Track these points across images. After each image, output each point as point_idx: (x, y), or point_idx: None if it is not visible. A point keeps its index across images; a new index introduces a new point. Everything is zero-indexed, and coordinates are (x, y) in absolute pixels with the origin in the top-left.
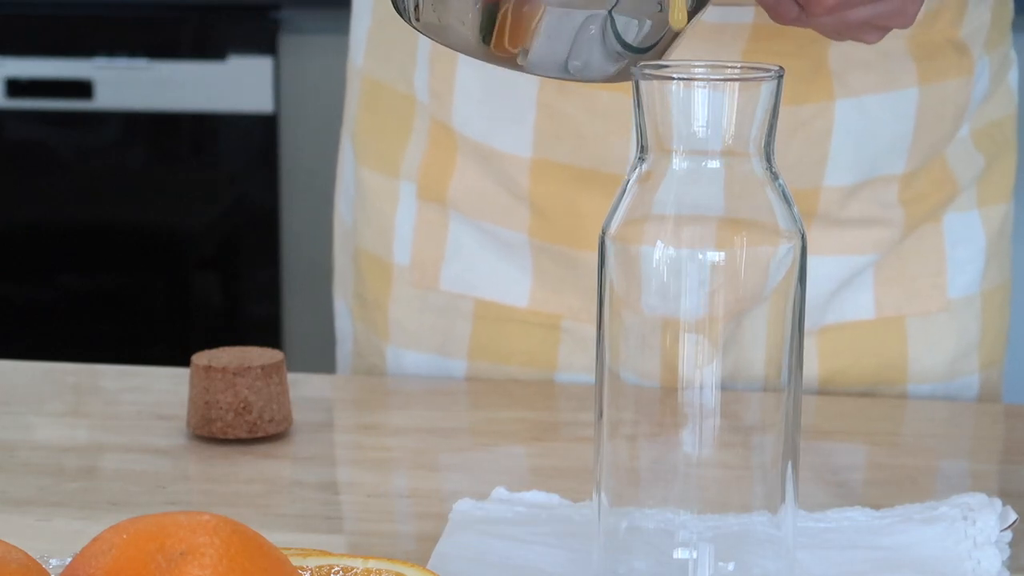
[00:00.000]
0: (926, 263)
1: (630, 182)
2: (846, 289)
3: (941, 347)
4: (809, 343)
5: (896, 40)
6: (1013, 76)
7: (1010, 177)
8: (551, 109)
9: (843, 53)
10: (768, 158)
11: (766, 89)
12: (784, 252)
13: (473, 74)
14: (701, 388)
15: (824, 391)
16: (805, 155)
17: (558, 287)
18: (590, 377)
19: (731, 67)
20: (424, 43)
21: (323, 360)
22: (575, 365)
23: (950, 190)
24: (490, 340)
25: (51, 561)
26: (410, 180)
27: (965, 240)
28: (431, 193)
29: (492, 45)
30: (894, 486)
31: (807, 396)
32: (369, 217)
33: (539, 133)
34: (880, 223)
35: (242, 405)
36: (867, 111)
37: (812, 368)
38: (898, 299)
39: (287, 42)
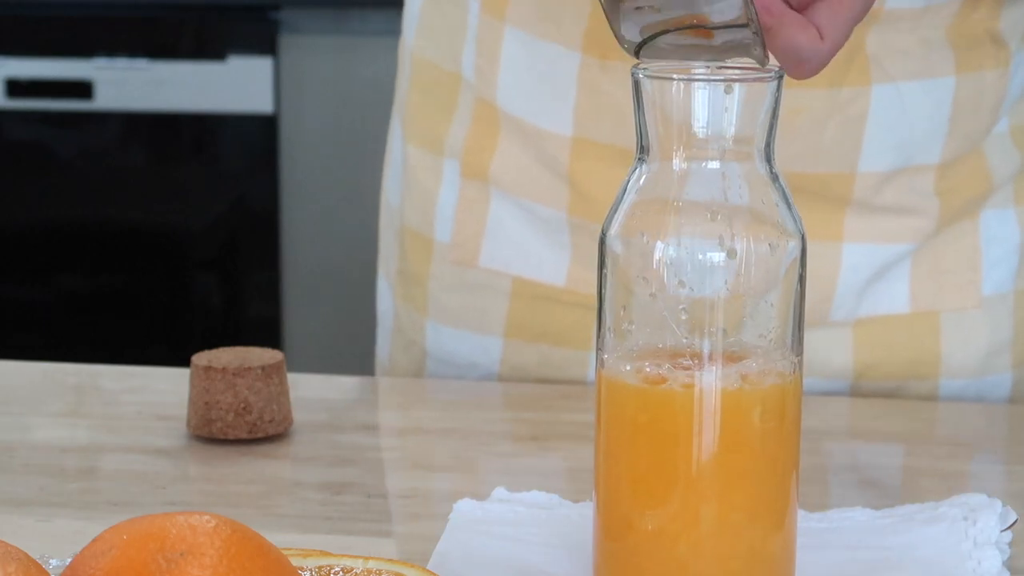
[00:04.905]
0: (961, 259)
1: (630, 182)
2: (881, 281)
3: (974, 344)
4: (844, 335)
5: (935, 29)
6: None
7: None
8: (592, 87)
9: (881, 38)
10: (768, 158)
11: (766, 89)
12: (784, 253)
13: (518, 52)
14: (701, 388)
15: (857, 385)
16: (841, 139)
17: (589, 263)
18: None
19: (731, 67)
20: (472, 22)
21: (323, 360)
22: None
23: (986, 185)
24: (526, 318)
25: (51, 561)
26: (454, 158)
27: (1000, 238)
28: (473, 171)
29: None
30: (894, 486)
31: (816, 397)
32: (413, 194)
33: (579, 111)
34: (915, 212)
35: (242, 405)
36: (903, 98)
37: (847, 361)
38: (933, 294)
39: (287, 42)
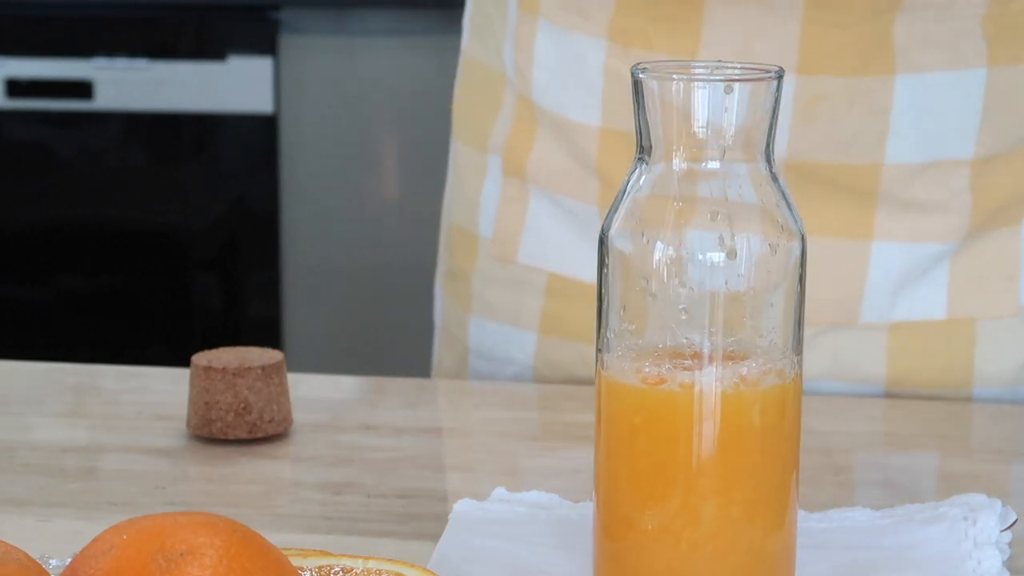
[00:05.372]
0: (1000, 266)
1: (630, 182)
2: (918, 284)
3: (1009, 353)
4: (878, 339)
5: (967, 20)
6: None
7: None
8: (617, 76)
9: (909, 27)
10: (768, 158)
11: (766, 89)
12: (785, 252)
13: (549, 44)
14: (701, 388)
15: (891, 392)
16: (864, 129)
17: None
18: None
19: (731, 67)
20: (511, 19)
21: (323, 360)
22: None
23: None
24: (560, 314)
25: (51, 561)
26: (497, 154)
27: None
28: (513, 167)
29: None
30: (895, 486)
31: (814, 397)
32: (460, 191)
33: (607, 101)
34: (948, 209)
35: (242, 405)
36: (930, 88)
37: (880, 366)
38: (970, 300)
39: (287, 42)
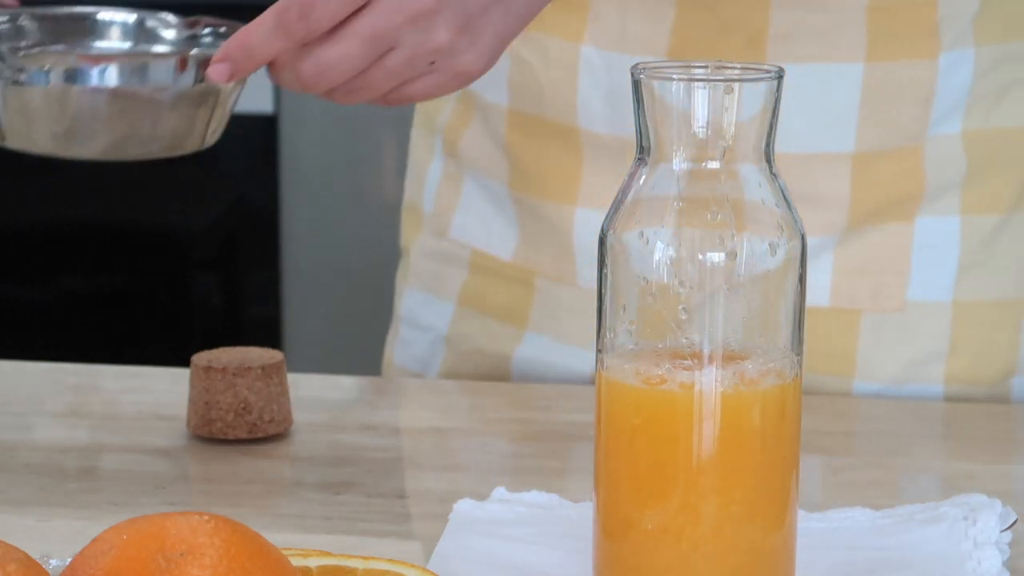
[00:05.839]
0: (889, 261)
1: (631, 182)
2: None
3: (895, 348)
4: None
5: (850, 12)
6: None
7: (1010, 190)
8: (518, 57)
9: (786, 17)
10: (768, 158)
11: (766, 89)
12: (784, 252)
13: None
14: (701, 388)
15: None
16: None
17: (535, 242)
18: (552, 346)
19: (731, 67)
20: None
21: (323, 360)
22: (544, 327)
23: (917, 186)
24: (477, 289)
25: (51, 561)
26: (440, 135)
27: (937, 245)
28: (450, 148)
29: None
30: (894, 486)
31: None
32: (412, 170)
33: (512, 83)
34: (825, 204)
35: (242, 405)
36: (805, 80)
37: None
38: (856, 292)
39: None
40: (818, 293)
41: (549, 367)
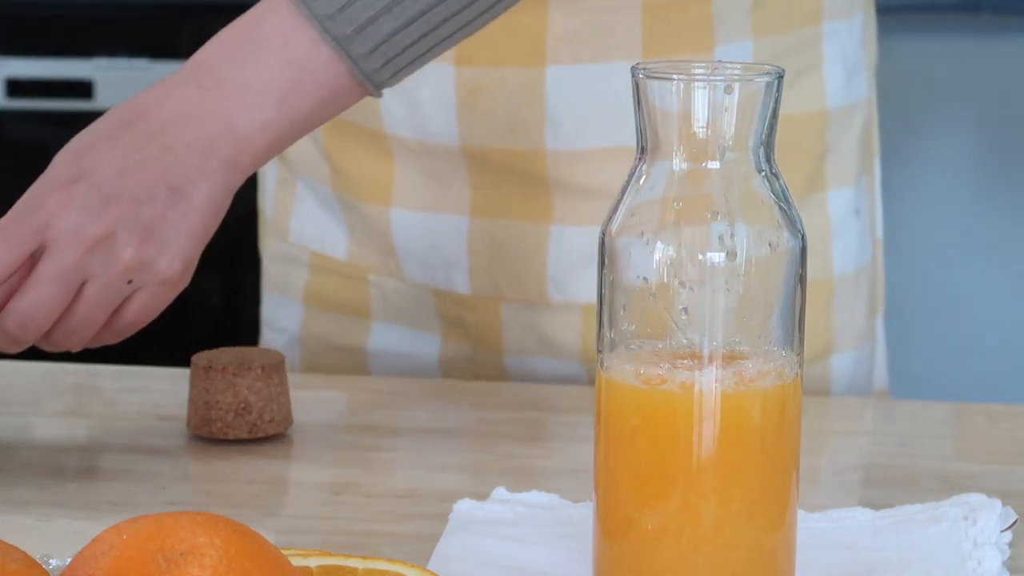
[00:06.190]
0: None
1: (630, 182)
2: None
3: None
4: (573, 318)
5: (626, 11)
6: (832, 77)
7: (799, 175)
8: None
9: (564, 18)
10: (768, 158)
11: (766, 89)
12: (784, 252)
13: None
14: (701, 389)
15: (591, 368)
16: (525, 118)
17: (362, 242)
18: (401, 333)
19: (731, 67)
20: None
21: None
22: (388, 317)
23: None
24: (320, 289)
25: (51, 561)
26: None
27: None
28: (282, 153)
29: None
30: (894, 486)
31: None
32: (261, 178)
33: None
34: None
35: (242, 405)
36: (581, 79)
37: (576, 343)
38: None
39: None
40: None
41: (401, 356)
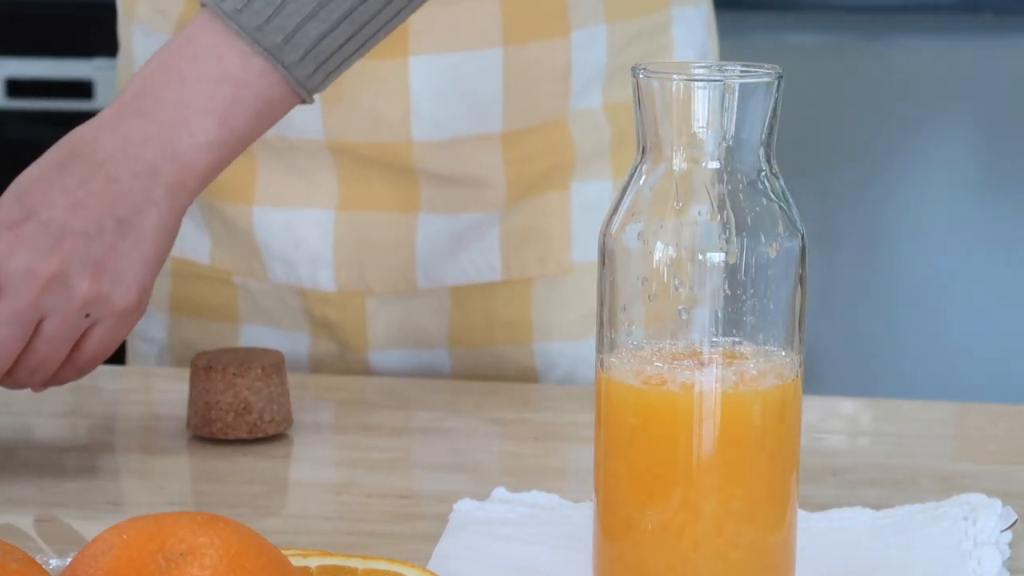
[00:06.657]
0: (552, 228)
1: (631, 182)
2: (471, 251)
3: (566, 309)
4: (440, 304)
5: (488, 1)
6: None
7: None
8: None
9: (425, 16)
10: (768, 158)
11: (766, 89)
12: (784, 252)
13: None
14: (701, 389)
15: (454, 351)
16: (386, 110)
17: (224, 244)
18: (271, 333)
19: (731, 67)
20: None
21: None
22: (255, 319)
23: (567, 156)
24: (185, 295)
25: (51, 561)
26: None
27: (593, 208)
28: None
29: None
30: (894, 486)
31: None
32: None
33: None
34: (482, 183)
35: (242, 405)
36: (446, 69)
37: (443, 329)
38: (525, 263)
39: None
40: (489, 270)
41: None
